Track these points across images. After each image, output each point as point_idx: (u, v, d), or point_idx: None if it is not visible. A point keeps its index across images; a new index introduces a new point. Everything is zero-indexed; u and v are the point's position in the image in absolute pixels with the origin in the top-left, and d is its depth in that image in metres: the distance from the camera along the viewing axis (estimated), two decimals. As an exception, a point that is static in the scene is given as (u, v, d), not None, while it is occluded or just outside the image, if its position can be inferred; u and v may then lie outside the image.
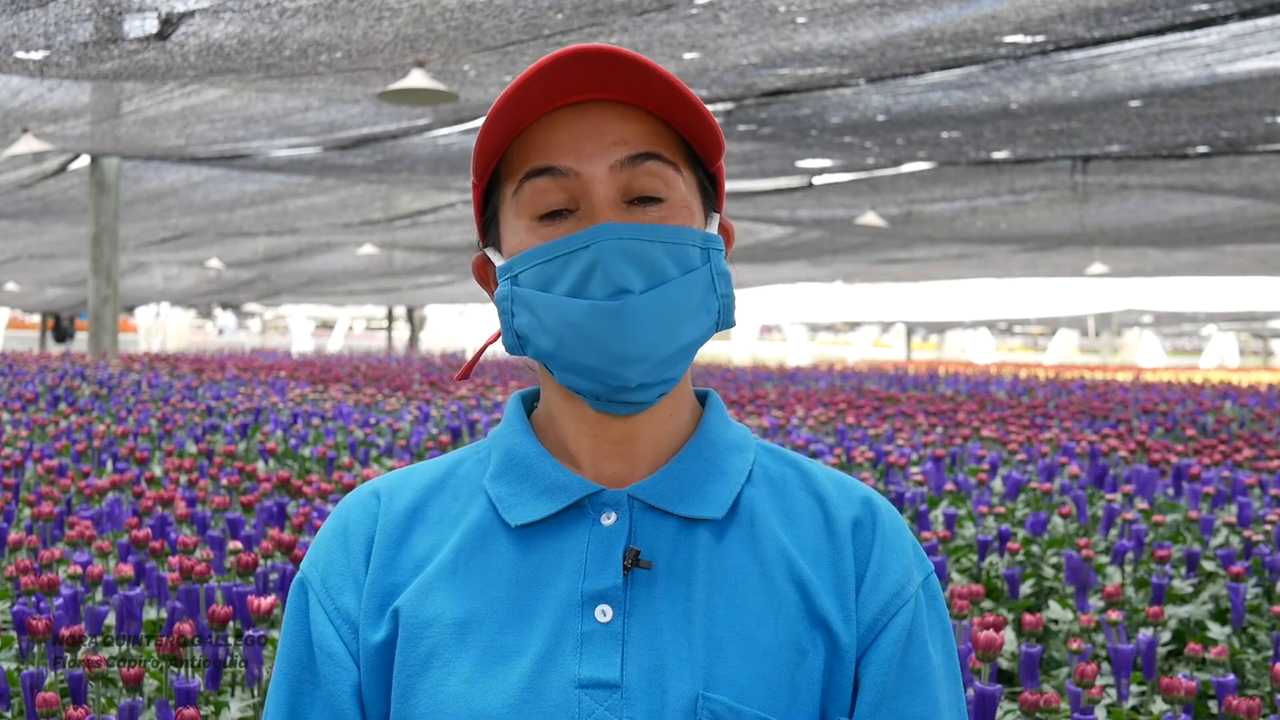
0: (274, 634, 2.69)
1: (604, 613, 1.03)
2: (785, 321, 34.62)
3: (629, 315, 1.01)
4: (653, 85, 1.02)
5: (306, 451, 5.69)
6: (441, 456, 1.17)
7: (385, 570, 1.09)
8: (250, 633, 2.36)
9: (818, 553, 1.07)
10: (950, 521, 3.91)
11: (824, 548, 1.08)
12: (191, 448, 5.66)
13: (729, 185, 12.53)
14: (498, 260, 1.09)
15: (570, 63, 1.00)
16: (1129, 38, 6.47)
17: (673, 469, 1.09)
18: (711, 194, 1.11)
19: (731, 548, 1.07)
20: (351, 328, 44.32)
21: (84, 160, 12.07)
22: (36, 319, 36.02)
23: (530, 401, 1.17)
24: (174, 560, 2.83)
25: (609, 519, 1.06)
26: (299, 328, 36.38)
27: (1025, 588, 3.56)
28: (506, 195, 1.07)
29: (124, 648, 2.68)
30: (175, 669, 2.36)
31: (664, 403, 1.09)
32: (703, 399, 1.16)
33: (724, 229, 1.12)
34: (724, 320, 1.08)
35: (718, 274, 1.06)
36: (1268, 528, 3.81)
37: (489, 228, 1.11)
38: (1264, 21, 6.09)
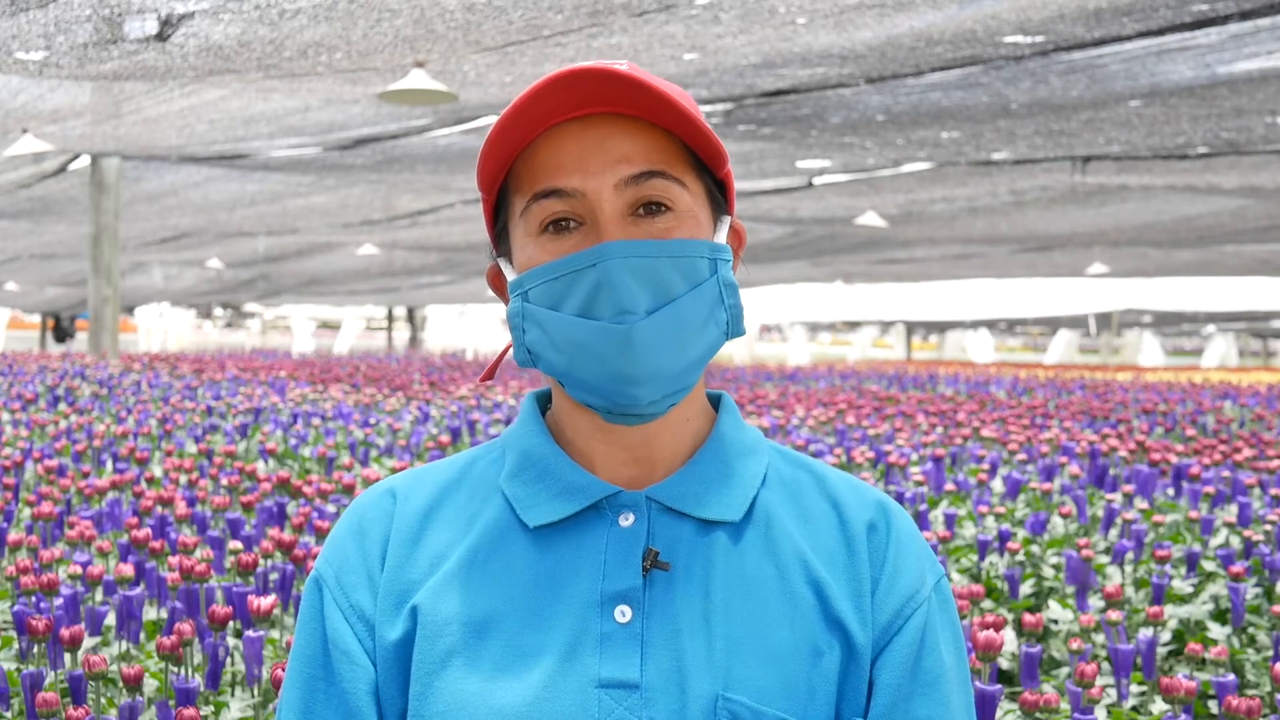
0: (274, 634, 2.69)
1: (623, 613, 1.03)
2: (785, 321, 34.60)
3: (637, 337, 1.01)
4: (653, 101, 1.02)
5: (306, 451, 5.69)
6: (455, 455, 1.18)
7: (401, 568, 1.09)
8: (250, 633, 2.36)
9: (833, 555, 1.08)
10: (950, 521, 3.91)
11: (839, 551, 1.09)
12: (191, 448, 5.66)
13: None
14: (510, 274, 1.09)
15: (570, 82, 1.00)
16: (1129, 38, 6.47)
17: (689, 471, 1.09)
18: (720, 198, 1.11)
19: (748, 550, 1.07)
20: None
21: (84, 160, 12.07)
22: (36, 319, 36.02)
23: (544, 401, 1.17)
24: (174, 560, 2.83)
25: (627, 520, 1.07)
26: (300, 328, 36.34)
27: (1025, 588, 3.56)
28: (515, 211, 1.07)
29: (124, 648, 2.69)
30: (175, 669, 2.36)
31: (677, 410, 1.09)
32: (715, 401, 1.16)
33: (735, 231, 1.13)
34: (733, 330, 1.08)
35: (725, 285, 1.06)
36: (1268, 528, 3.81)
37: (501, 239, 1.11)
38: (1264, 21, 6.09)
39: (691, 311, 1.04)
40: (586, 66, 1.00)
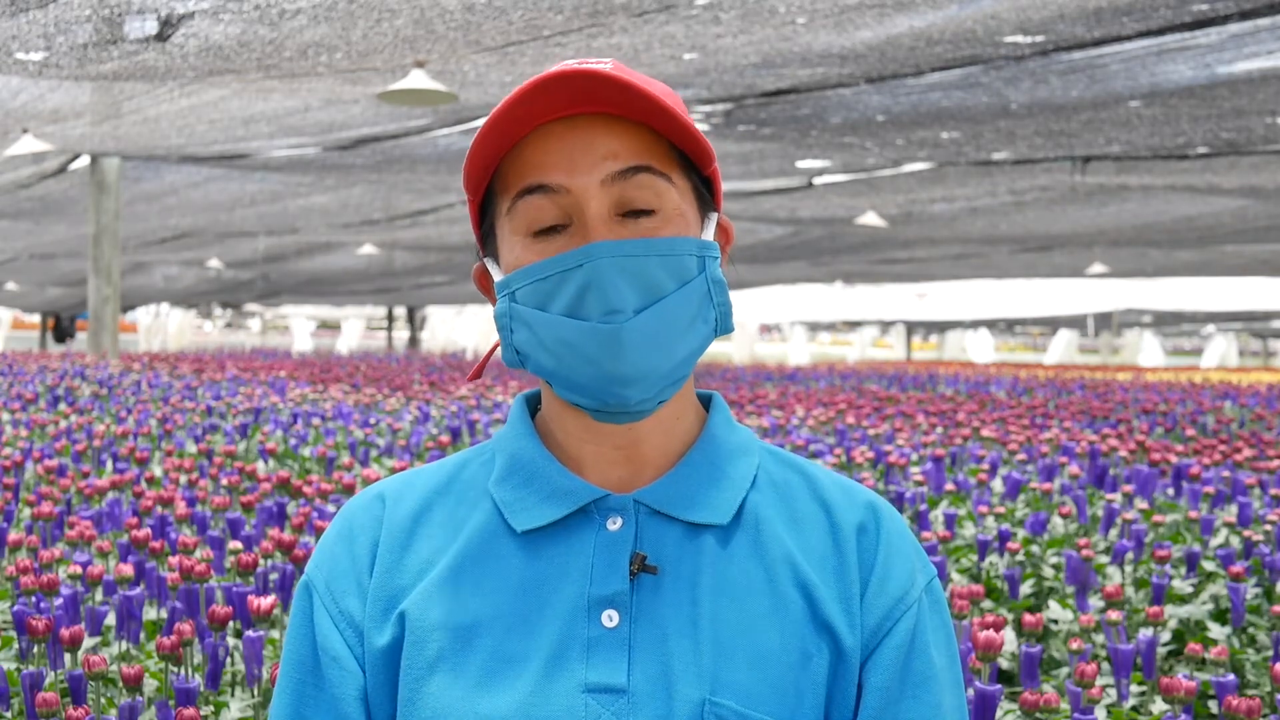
0: (274, 634, 2.69)
1: (610, 618, 1.03)
2: (785, 321, 34.60)
3: (626, 337, 1.01)
4: (638, 100, 1.02)
5: (306, 451, 5.69)
6: (446, 459, 1.17)
7: (390, 574, 1.09)
8: (250, 633, 2.36)
9: (823, 558, 1.08)
10: (950, 521, 3.91)
11: (829, 553, 1.08)
12: (191, 448, 5.66)
13: (728, 185, 12.53)
14: (496, 274, 1.09)
15: (556, 84, 1.00)
16: (1129, 38, 6.47)
17: (678, 474, 1.08)
18: (707, 196, 1.10)
19: (737, 553, 1.07)
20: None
21: (84, 160, 12.07)
22: (36, 319, 36.00)
23: (534, 403, 1.17)
24: (174, 560, 2.83)
25: (615, 524, 1.06)
26: (299, 328, 36.30)
27: (1025, 588, 3.56)
28: (502, 210, 1.07)
29: (124, 648, 2.69)
30: (175, 669, 2.36)
31: (667, 408, 1.09)
32: (706, 402, 1.16)
33: (723, 228, 1.12)
34: (722, 327, 1.07)
35: (713, 282, 1.06)
36: (1268, 528, 3.81)
37: (487, 239, 1.11)
38: (1264, 21, 6.09)
39: (680, 310, 1.03)
40: (570, 69, 1.00)
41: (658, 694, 1.01)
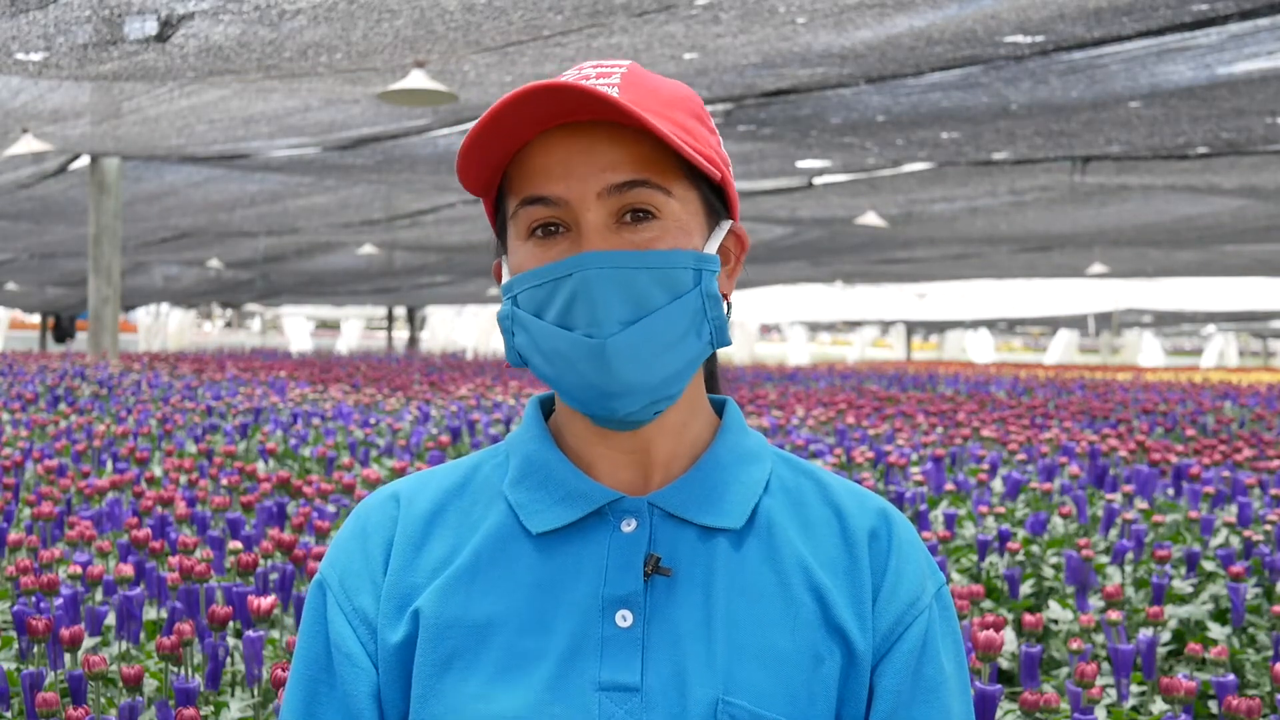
0: (274, 634, 2.69)
1: (624, 618, 1.04)
2: (785, 321, 34.60)
3: (611, 352, 1.01)
4: (637, 120, 1.01)
5: (306, 451, 5.69)
6: (459, 460, 1.18)
7: (404, 572, 1.09)
8: (250, 633, 2.36)
9: (834, 562, 1.09)
10: (950, 521, 3.91)
11: (841, 558, 1.09)
12: (191, 448, 5.66)
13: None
14: (506, 275, 1.10)
15: (549, 96, 1.00)
16: (1129, 38, 6.47)
17: (691, 478, 1.09)
18: (718, 205, 1.10)
19: (750, 556, 1.07)
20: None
21: (84, 160, 12.06)
22: (36, 319, 35.99)
23: (548, 405, 1.18)
24: (174, 560, 2.83)
25: (629, 526, 1.07)
26: (295, 328, 36.26)
27: (1025, 588, 3.56)
28: (509, 213, 1.08)
29: (124, 648, 2.69)
30: (175, 669, 2.36)
31: (675, 413, 1.09)
32: (720, 407, 1.16)
33: (737, 236, 1.12)
34: (717, 341, 1.07)
35: (708, 297, 1.05)
36: (1268, 528, 3.81)
37: (503, 236, 1.12)
38: (1264, 21, 6.09)
39: (669, 324, 1.03)
40: (567, 83, 0.99)
41: (671, 693, 1.02)
